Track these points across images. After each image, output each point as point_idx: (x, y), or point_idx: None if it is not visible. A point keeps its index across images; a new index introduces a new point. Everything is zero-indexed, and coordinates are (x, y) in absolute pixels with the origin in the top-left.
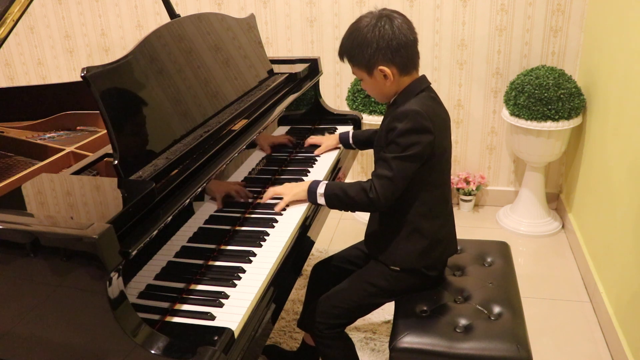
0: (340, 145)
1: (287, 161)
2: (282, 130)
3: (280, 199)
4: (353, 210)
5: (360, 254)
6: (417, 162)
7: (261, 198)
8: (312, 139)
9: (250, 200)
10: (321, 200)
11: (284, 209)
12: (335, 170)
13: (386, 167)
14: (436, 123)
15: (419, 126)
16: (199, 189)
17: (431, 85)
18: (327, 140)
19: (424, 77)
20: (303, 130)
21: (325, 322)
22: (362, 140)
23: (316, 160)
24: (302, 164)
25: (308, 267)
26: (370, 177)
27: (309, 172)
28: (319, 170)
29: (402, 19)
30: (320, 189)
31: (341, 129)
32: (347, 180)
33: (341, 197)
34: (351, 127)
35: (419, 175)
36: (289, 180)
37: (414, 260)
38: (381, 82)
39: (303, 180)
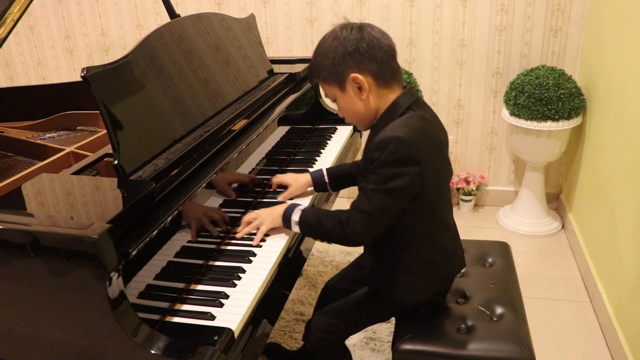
0: (311, 188)
1: (287, 161)
2: (282, 130)
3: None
4: (328, 242)
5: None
6: (401, 196)
7: (260, 199)
8: (279, 178)
9: (250, 200)
10: (296, 228)
11: (263, 240)
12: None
13: (364, 199)
14: (425, 149)
15: (403, 156)
16: (199, 189)
17: (422, 99)
18: (296, 184)
19: (409, 90)
20: (303, 130)
21: (322, 337)
22: (339, 176)
23: (316, 160)
24: (302, 164)
25: (308, 267)
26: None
27: (309, 172)
28: None
29: (376, 28)
30: (295, 216)
31: (341, 129)
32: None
33: (315, 227)
34: (351, 127)
35: (418, 209)
36: None
37: (426, 292)
38: (356, 97)
39: None
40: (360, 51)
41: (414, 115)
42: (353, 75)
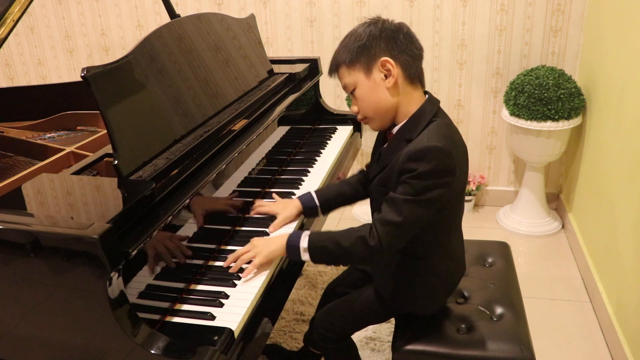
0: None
1: (287, 161)
2: (282, 130)
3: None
4: (345, 264)
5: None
6: (434, 207)
7: (263, 197)
8: (262, 208)
9: (250, 200)
10: (305, 256)
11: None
12: (335, 172)
13: (395, 210)
14: (458, 158)
15: (442, 167)
16: (199, 189)
17: (440, 105)
18: (284, 212)
19: (432, 97)
20: (303, 130)
21: (324, 335)
22: (331, 198)
23: (316, 160)
24: (302, 164)
25: (308, 267)
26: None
27: (309, 172)
28: (319, 170)
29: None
30: (304, 242)
31: (341, 129)
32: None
33: (332, 249)
34: (351, 127)
35: (440, 218)
36: (287, 181)
37: (440, 302)
38: (380, 85)
39: (303, 180)
40: (396, 40)
41: (443, 124)
42: (384, 59)
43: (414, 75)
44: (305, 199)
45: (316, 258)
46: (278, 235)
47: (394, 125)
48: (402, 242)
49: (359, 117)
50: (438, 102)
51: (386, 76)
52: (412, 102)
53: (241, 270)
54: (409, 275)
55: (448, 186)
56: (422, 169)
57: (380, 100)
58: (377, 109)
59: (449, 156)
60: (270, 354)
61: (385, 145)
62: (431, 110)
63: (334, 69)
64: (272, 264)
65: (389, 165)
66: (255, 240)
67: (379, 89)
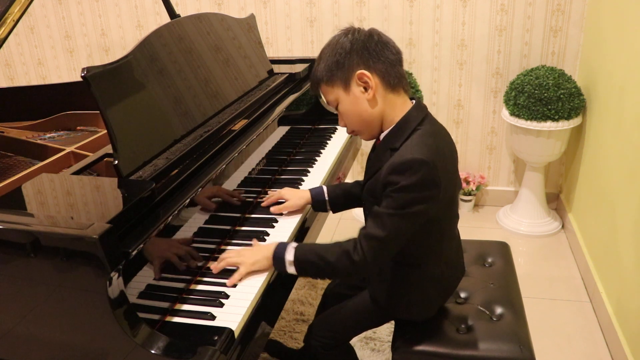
0: (308, 206)
1: (287, 161)
2: (282, 130)
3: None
4: (331, 278)
5: None
6: (419, 221)
7: (261, 199)
8: (277, 194)
9: (250, 200)
10: (291, 269)
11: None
12: (335, 172)
13: (379, 225)
14: (444, 168)
15: (426, 180)
16: (199, 189)
17: (429, 111)
18: (294, 198)
19: (419, 104)
20: (303, 130)
21: (323, 341)
22: (340, 195)
23: (316, 160)
24: (302, 164)
25: None
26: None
27: (309, 172)
28: (319, 171)
29: (384, 34)
30: (289, 255)
31: (341, 129)
32: (348, 180)
33: (317, 264)
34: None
35: (429, 227)
36: (287, 181)
37: (436, 307)
38: (361, 98)
39: (303, 180)
40: (368, 49)
41: (427, 133)
42: (360, 72)
43: (395, 82)
44: (316, 192)
45: (302, 271)
46: (266, 245)
47: (382, 132)
48: (387, 256)
49: (348, 131)
50: (425, 108)
51: (365, 88)
52: (396, 109)
53: (228, 272)
54: (403, 283)
55: (433, 199)
56: (404, 182)
57: (364, 113)
58: (363, 122)
59: (432, 169)
60: (271, 350)
61: (372, 153)
62: (417, 117)
63: (315, 87)
64: (266, 271)
65: (375, 174)
66: (243, 250)
67: (360, 102)
